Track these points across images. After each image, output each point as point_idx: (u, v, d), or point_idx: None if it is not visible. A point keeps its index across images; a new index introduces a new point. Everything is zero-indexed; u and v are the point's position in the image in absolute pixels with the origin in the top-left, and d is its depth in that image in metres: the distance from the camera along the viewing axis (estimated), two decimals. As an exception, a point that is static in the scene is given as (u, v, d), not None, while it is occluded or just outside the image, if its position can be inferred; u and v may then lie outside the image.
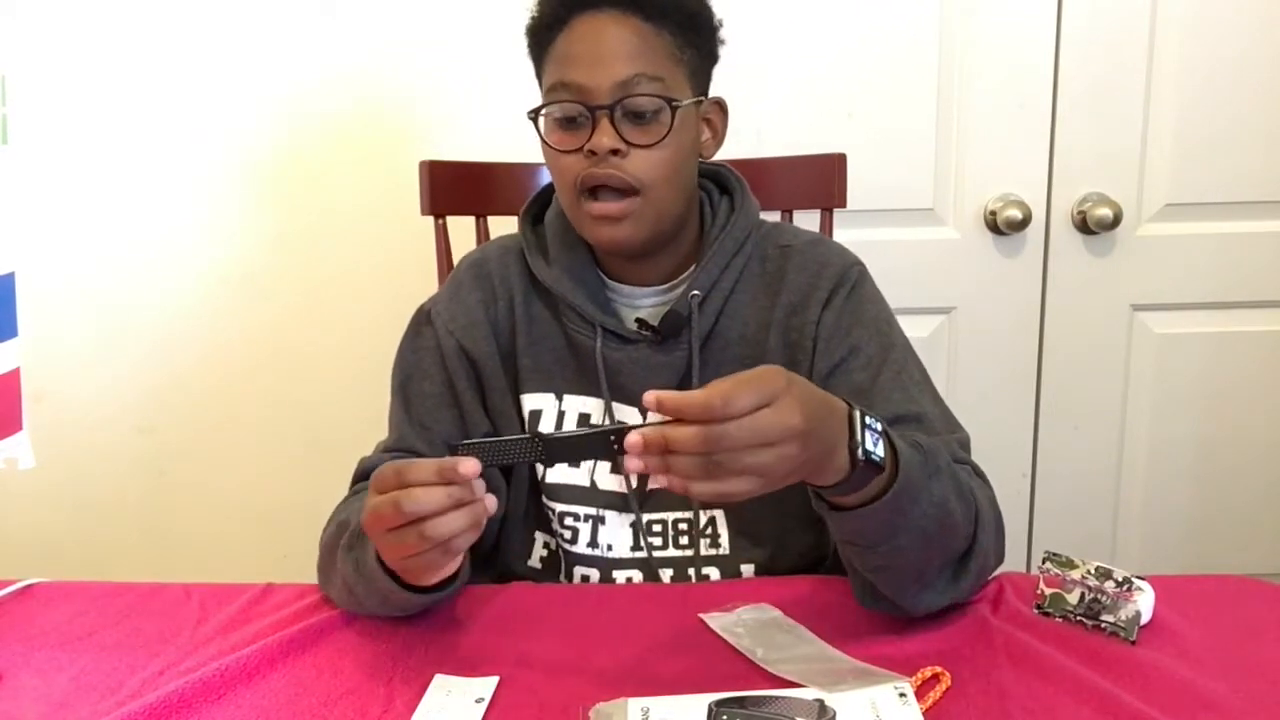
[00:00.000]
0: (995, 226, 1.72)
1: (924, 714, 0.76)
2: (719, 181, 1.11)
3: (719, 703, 0.73)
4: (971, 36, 1.68)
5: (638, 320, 1.06)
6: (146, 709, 0.79)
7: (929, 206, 1.74)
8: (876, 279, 1.10)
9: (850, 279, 1.06)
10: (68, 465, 1.79)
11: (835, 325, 1.04)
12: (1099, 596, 0.88)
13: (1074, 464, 1.83)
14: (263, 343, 1.79)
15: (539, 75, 1.04)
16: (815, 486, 0.81)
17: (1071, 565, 0.90)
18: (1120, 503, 1.85)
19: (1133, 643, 0.86)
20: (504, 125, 1.68)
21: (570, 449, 0.80)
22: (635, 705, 0.77)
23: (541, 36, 1.02)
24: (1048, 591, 0.91)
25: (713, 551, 1.07)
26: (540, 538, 1.11)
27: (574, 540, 1.07)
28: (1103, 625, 0.88)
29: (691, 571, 1.07)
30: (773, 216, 1.29)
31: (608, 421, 1.05)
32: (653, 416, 0.73)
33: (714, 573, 1.07)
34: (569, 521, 1.08)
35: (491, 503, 0.78)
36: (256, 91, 1.70)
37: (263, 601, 0.98)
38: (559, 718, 0.78)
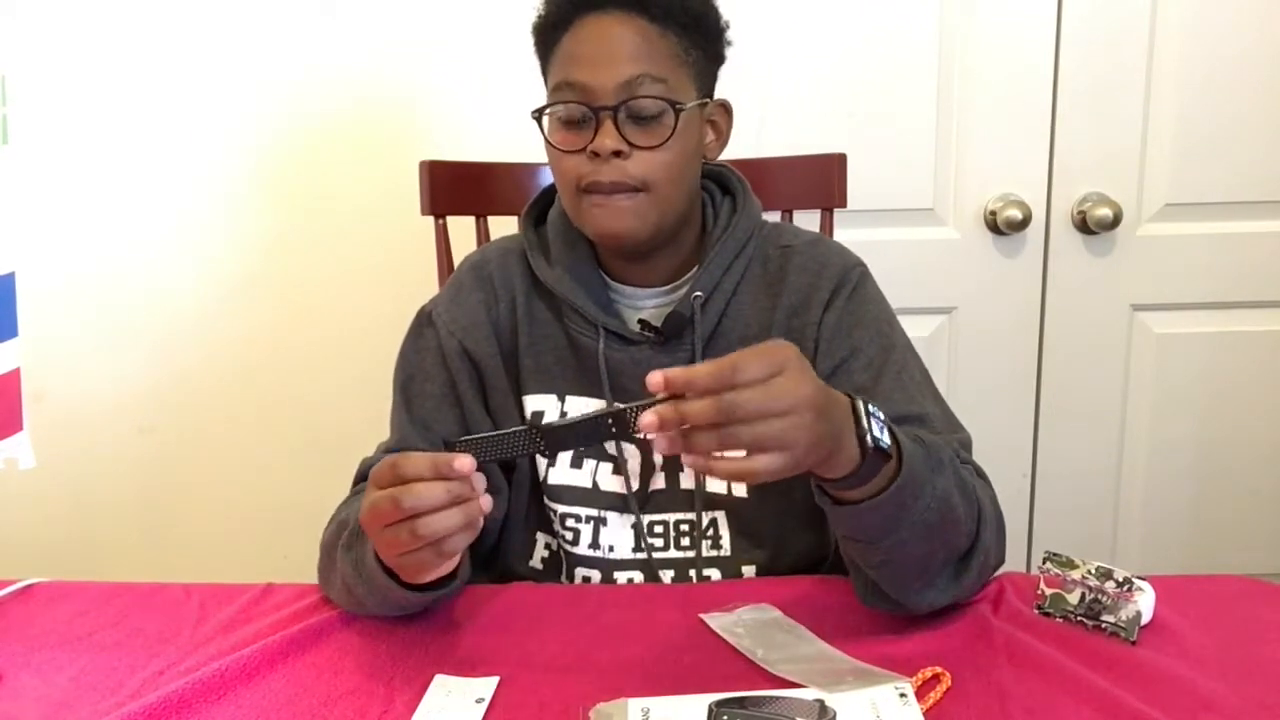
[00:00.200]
0: (995, 226, 1.72)
1: (924, 714, 0.76)
2: (721, 182, 1.11)
3: (719, 703, 0.73)
4: (971, 36, 1.68)
5: (640, 321, 1.06)
6: (146, 709, 0.79)
7: (929, 206, 1.74)
8: (877, 279, 1.10)
9: (851, 280, 1.06)
10: (68, 465, 1.79)
11: (837, 326, 1.04)
12: (1099, 596, 0.88)
13: (1074, 464, 1.83)
14: (263, 342, 1.79)
15: (544, 74, 1.04)
16: (823, 480, 0.81)
17: (1072, 565, 0.90)
18: (1120, 503, 1.85)
19: (1133, 643, 0.86)
20: (504, 125, 1.68)
21: (569, 437, 0.79)
22: (635, 705, 0.77)
23: (547, 35, 1.02)
24: (1048, 591, 0.91)
25: (714, 553, 1.07)
26: (541, 539, 1.11)
27: (575, 541, 1.07)
28: (1103, 625, 0.88)
29: (692, 573, 1.07)
30: (773, 216, 1.29)
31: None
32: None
33: (715, 574, 1.07)
34: (570, 523, 1.08)
35: (487, 502, 0.78)
36: (256, 92, 1.70)
37: (263, 601, 0.98)
38: (559, 718, 0.78)
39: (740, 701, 0.74)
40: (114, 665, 0.88)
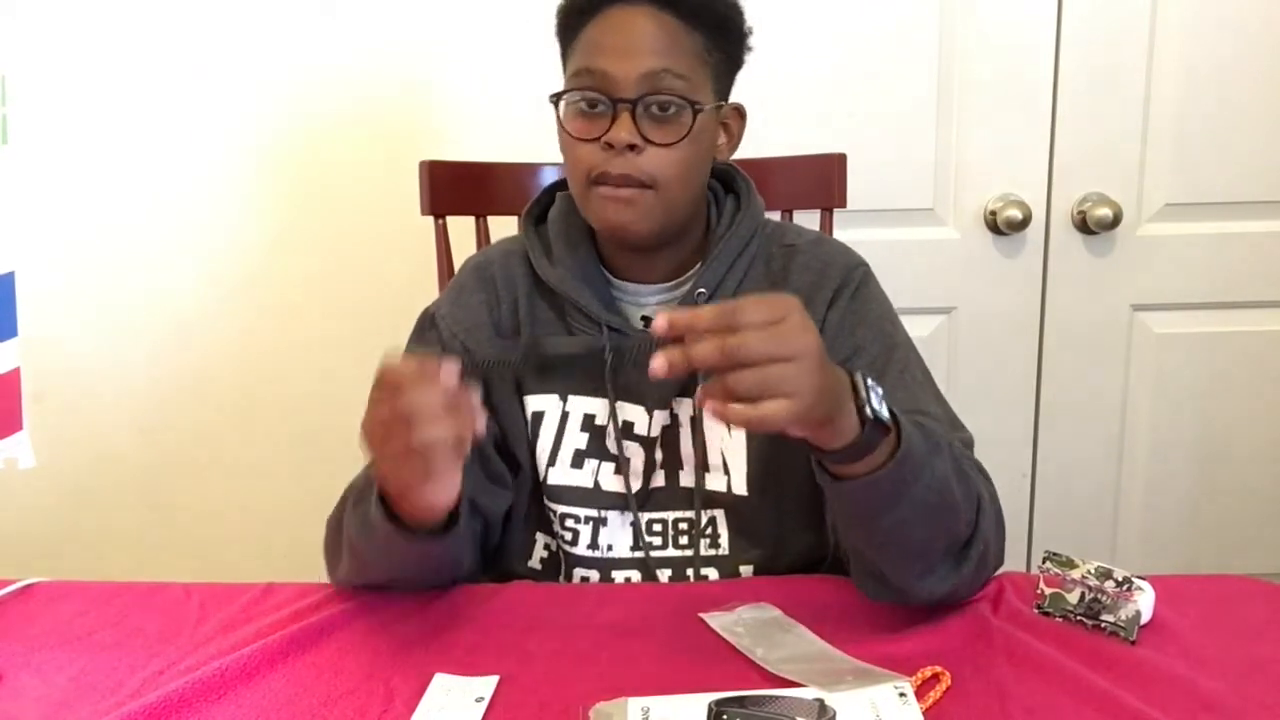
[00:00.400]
0: (995, 226, 1.72)
1: (924, 714, 0.76)
2: (725, 181, 1.12)
3: (719, 703, 0.73)
4: (971, 36, 1.68)
5: (644, 318, 1.06)
6: (146, 709, 0.79)
7: (929, 206, 1.74)
8: (877, 279, 1.10)
9: (855, 279, 1.07)
10: (68, 465, 1.79)
11: (840, 324, 1.04)
12: (1099, 596, 0.88)
13: (1074, 464, 1.83)
14: (263, 342, 1.79)
15: (564, 58, 1.04)
16: (822, 453, 0.81)
17: (1071, 565, 0.90)
18: (1120, 502, 1.85)
19: (1133, 642, 0.86)
20: (504, 125, 1.68)
21: (566, 362, 0.79)
22: (635, 705, 0.77)
23: (572, 20, 1.02)
24: (1048, 591, 0.91)
25: (712, 552, 1.07)
26: (541, 539, 1.11)
27: (574, 542, 1.07)
28: (1103, 625, 0.88)
29: (690, 572, 1.06)
30: (773, 216, 1.29)
31: (612, 424, 1.05)
32: None
33: (712, 573, 1.07)
34: (570, 523, 1.08)
35: (481, 424, 0.79)
36: (256, 92, 1.70)
37: (263, 601, 0.98)
38: (559, 718, 0.78)
39: (740, 701, 0.74)
40: (114, 665, 0.88)
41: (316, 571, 1.03)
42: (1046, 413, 1.82)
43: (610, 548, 1.07)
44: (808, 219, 1.42)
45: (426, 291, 1.50)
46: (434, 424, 0.77)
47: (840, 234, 1.42)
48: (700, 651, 0.87)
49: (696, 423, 1.05)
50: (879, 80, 1.69)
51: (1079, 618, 0.89)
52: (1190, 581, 0.97)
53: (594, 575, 1.08)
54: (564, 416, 1.07)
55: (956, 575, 0.89)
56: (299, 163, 1.72)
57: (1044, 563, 0.91)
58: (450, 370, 0.77)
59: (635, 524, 1.07)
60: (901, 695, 0.78)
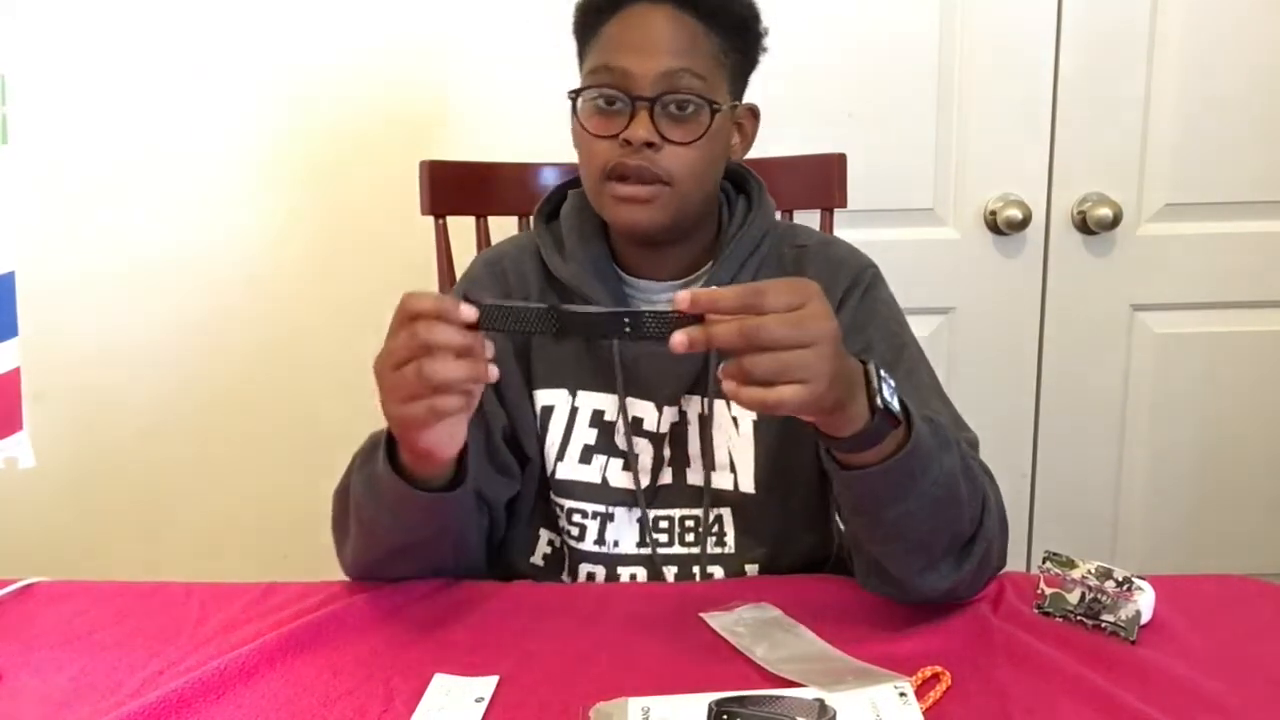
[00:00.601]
0: (995, 226, 1.72)
1: (924, 714, 0.76)
2: (737, 181, 1.13)
3: (719, 702, 0.73)
4: (971, 36, 1.68)
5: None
6: (146, 709, 0.79)
7: (929, 206, 1.74)
8: (878, 279, 1.11)
9: (865, 280, 1.08)
10: (68, 465, 1.79)
11: (849, 324, 1.04)
12: (1099, 596, 0.88)
13: (1074, 464, 1.83)
14: (262, 342, 1.79)
15: (581, 54, 1.05)
16: (831, 441, 0.81)
17: (1071, 565, 0.90)
18: (1120, 502, 1.86)
19: (1133, 642, 0.86)
20: (504, 125, 1.68)
21: (585, 325, 0.80)
22: (635, 705, 0.77)
23: (592, 18, 1.03)
24: (1048, 591, 0.91)
25: (718, 550, 1.07)
26: (545, 535, 1.11)
27: (581, 537, 1.08)
28: (1103, 625, 0.88)
29: (695, 569, 1.07)
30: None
31: (622, 420, 1.06)
32: None
33: (718, 571, 1.07)
34: (577, 518, 1.08)
35: (493, 371, 0.79)
36: (256, 92, 1.70)
37: (263, 601, 0.98)
38: (559, 718, 0.78)
39: (740, 701, 0.74)
40: (114, 665, 0.88)
41: (317, 571, 1.03)
42: (1046, 413, 1.82)
43: (616, 544, 1.07)
44: (808, 219, 1.42)
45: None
46: (449, 361, 0.77)
47: (840, 234, 1.42)
48: (700, 651, 0.87)
49: (705, 420, 1.06)
50: (879, 80, 1.69)
51: (1079, 618, 0.89)
52: (1190, 581, 0.98)
53: (599, 571, 1.08)
54: (573, 411, 1.07)
55: (958, 573, 0.89)
56: (299, 163, 1.72)
57: (1044, 563, 0.91)
58: (469, 310, 0.77)
59: (643, 520, 1.07)
60: (901, 695, 0.78)
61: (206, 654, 0.88)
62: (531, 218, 1.15)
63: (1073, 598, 0.89)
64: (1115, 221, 1.69)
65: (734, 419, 1.06)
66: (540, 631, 0.91)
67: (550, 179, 1.46)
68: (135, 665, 0.88)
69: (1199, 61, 1.67)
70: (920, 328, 1.73)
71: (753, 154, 1.20)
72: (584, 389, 1.07)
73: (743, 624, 0.89)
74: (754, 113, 1.09)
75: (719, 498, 1.07)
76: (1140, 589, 0.87)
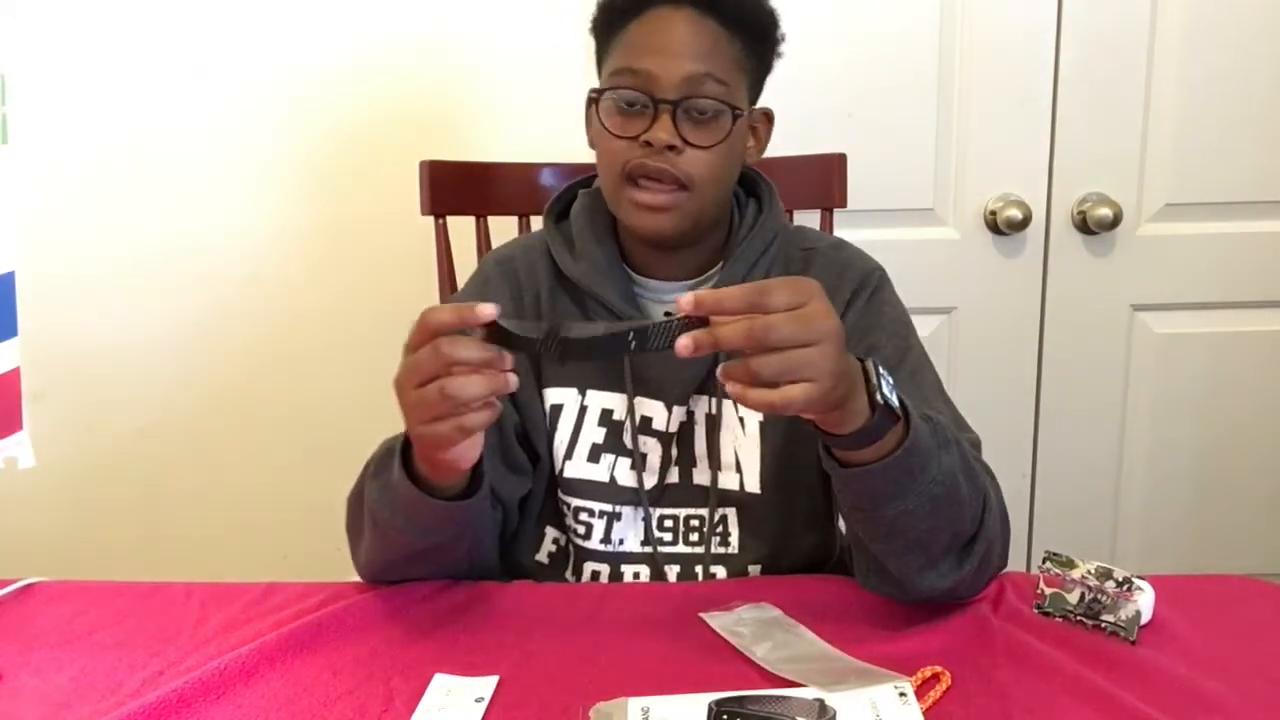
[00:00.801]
0: (995, 226, 1.72)
1: (924, 714, 0.76)
2: (747, 184, 1.13)
3: (719, 702, 0.73)
4: (971, 37, 1.68)
5: (666, 314, 1.07)
6: (146, 708, 0.79)
7: (929, 206, 1.74)
8: (879, 280, 1.11)
9: (872, 283, 1.09)
10: (68, 465, 1.79)
11: (856, 325, 1.05)
12: (1099, 596, 0.88)
13: (1074, 464, 1.83)
14: (262, 342, 1.79)
15: (601, 54, 1.06)
16: (831, 438, 0.82)
17: (1071, 565, 0.90)
18: (1120, 503, 1.86)
19: (1133, 642, 0.86)
20: (504, 125, 1.69)
21: (588, 348, 0.80)
22: (635, 705, 0.77)
23: (614, 18, 1.03)
24: (1048, 591, 0.91)
25: (721, 550, 1.07)
26: (550, 533, 1.11)
27: (587, 536, 1.08)
28: (1103, 625, 0.88)
29: (699, 569, 1.07)
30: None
31: (630, 419, 1.06)
32: None
33: (721, 572, 1.07)
34: (584, 517, 1.08)
35: (514, 380, 0.79)
36: (257, 92, 1.70)
37: (263, 601, 0.98)
38: (559, 718, 0.78)
39: (740, 701, 0.74)
40: (114, 665, 0.88)
41: (317, 572, 1.03)
42: (1046, 413, 1.82)
43: (622, 542, 1.08)
44: (808, 219, 1.42)
45: (427, 291, 1.50)
46: (471, 377, 0.77)
47: (840, 234, 1.42)
48: (700, 651, 0.87)
49: (713, 420, 1.06)
50: (879, 80, 1.69)
51: (1079, 618, 0.89)
52: (1190, 581, 0.97)
53: (604, 569, 1.08)
54: (582, 410, 1.08)
55: (959, 572, 0.89)
56: (299, 163, 1.72)
57: (1044, 563, 0.91)
58: (488, 307, 0.77)
59: (647, 519, 1.07)
60: (901, 695, 0.78)
61: (206, 654, 0.88)
62: (541, 217, 1.15)
63: (1072, 598, 0.89)
64: (1115, 221, 1.69)
65: (740, 419, 1.06)
66: (540, 631, 0.91)
67: (550, 179, 1.46)
68: (135, 665, 0.88)
69: (1199, 61, 1.67)
70: (921, 328, 1.73)
71: (753, 154, 1.21)
72: (593, 388, 1.08)
73: (743, 624, 0.89)
74: (769, 117, 1.11)
75: (725, 498, 1.07)
76: (1140, 589, 0.87)
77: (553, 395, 1.08)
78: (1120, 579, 0.87)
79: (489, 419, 0.80)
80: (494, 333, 0.78)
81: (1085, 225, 1.72)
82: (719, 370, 0.75)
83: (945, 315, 1.78)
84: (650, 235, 1.04)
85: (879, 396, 0.79)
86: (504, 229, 1.46)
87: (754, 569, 1.07)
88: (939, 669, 0.81)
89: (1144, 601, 0.87)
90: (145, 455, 1.83)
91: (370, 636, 0.91)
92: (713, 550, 1.07)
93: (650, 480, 1.07)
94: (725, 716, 0.73)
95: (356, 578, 1.01)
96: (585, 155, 1.30)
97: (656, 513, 1.08)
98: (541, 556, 1.11)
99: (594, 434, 1.07)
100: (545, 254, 1.11)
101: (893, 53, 1.68)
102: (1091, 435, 1.82)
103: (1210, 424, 1.82)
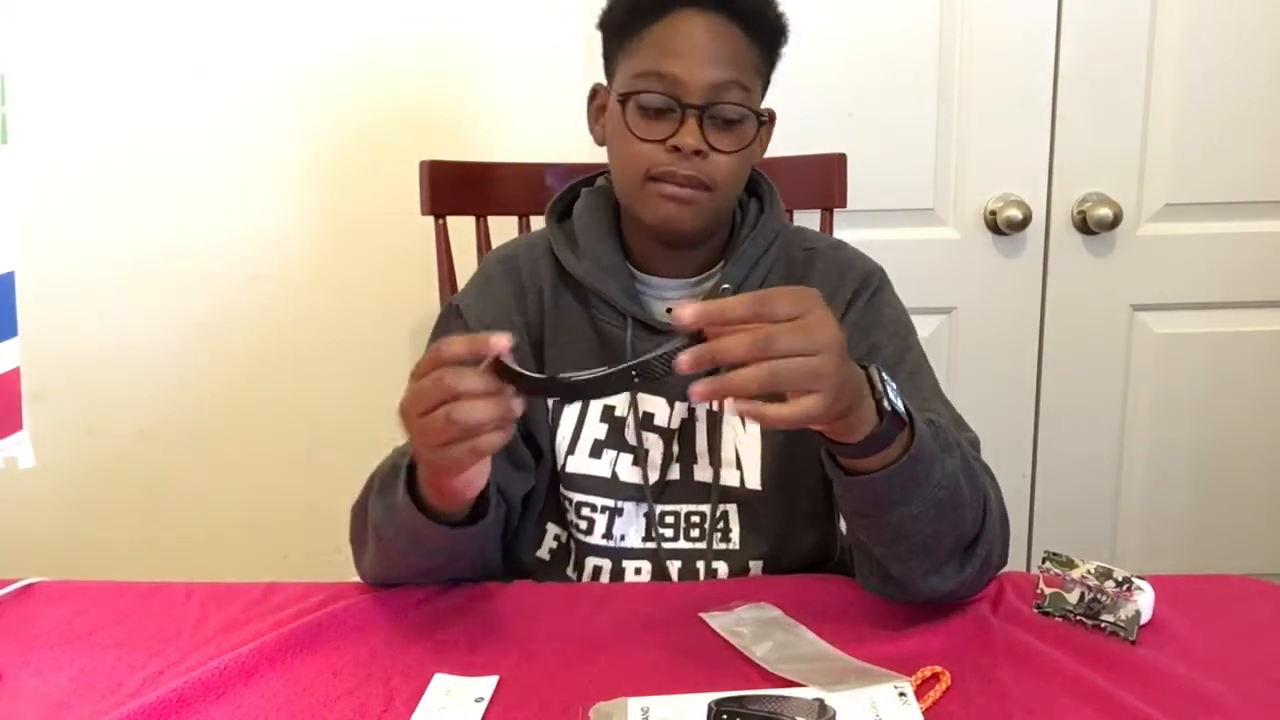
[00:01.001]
0: (995, 226, 1.72)
1: (924, 714, 0.76)
2: (747, 183, 1.14)
3: (719, 702, 0.73)
4: (971, 36, 1.68)
5: (668, 310, 1.07)
6: (146, 708, 0.79)
7: (929, 206, 1.74)
8: (878, 280, 1.11)
9: (873, 283, 1.09)
10: (68, 465, 1.79)
11: (857, 325, 1.06)
12: (1099, 596, 0.88)
13: (1074, 464, 1.83)
14: (263, 342, 1.79)
15: (616, 52, 1.06)
16: (837, 446, 0.82)
17: (1071, 565, 0.90)
18: (1120, 503, 1.86)
19: (1132, 642, 0.86)
20: (504, 125, 1.68)
21: (591, 389, 0.80)
22: (635, 705, 0.77)
23: (636, 18, 1.03)
24: (1048, 591, 0.91)
25: (723, 546, 1.08)
26: (552, 529, 1.12)
27: (589, 531, 1.08)
28: (1102, 625, 0.88)
29: (700, 565, 1.07)
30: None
31: (632, 415, 1.06)
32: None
33: (722, 567, 1.07)
34: (586, 512, 1.08)
35: (519, 405, 0.78)
36: (256, 92, 1.70)
37: (263, 602, 0.98)
38: (559, 718, 0.78)
39: (740, 701, 0.74)
40: (114, 665, 0.88)
41: (317, 572, 1.03)
42: (1046, 413, 1.82)
43: (623, 538, 1.08)
44: (808, 219, 1.42)
45: (426, 291, 1.50)
46: (477, 403, 0.77)
47: (840, 234, 1.42)
48: (700, 651, 0.87)
49: (714, 417, 1.07)
50: (879, 80, 1.69)
51: (1079, 618, 0.89)
52: (1190, 581, 0.98)
53: (605, 565, 1.08)
54: (585, 406, 1.08)
55: (961, 574, 0.90)
56: (299, 163, 1.72)
57: (1044, 563, 0.91)
58: (501, 339, 0.77)
59: (649, 515, 1.07)
60: (901, 695, 0.78)
61: (206, 654, 0.88)
62: (541, 217, 1.15)
63: (1072, 598, 0.89)
64: (1115, 221, 1.69)
65: (742, 416, 1.07)
66: (540, 631, 0.91)
67: (551, 179, 1.46)
68: (135, 665, 0.88)
69: (1199, 61, 1.67)
70: (921, 328, 1.73)
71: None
72: None
73: (743, 624, 0.89)
74: (772, 118, 1.11)
75: (726, 494, 1.07)
76: (1140, 589, 0.87)
77: None
78: (1120, 579, 0.87)
79: (501, 441, 0.79)
80: (500, 370, 0.78)
81: (1085, 225, 1.72)
82: (701, 388, 0.73)
83: (945, 315, 1.78)
84: (670, 229, 1.04)
85: (885, 403, 0.79)
86: (504, 229, 1.46)
87: (755, 565, 1.08)
88: (939, 669, 0.81)
89: (1144, 601, 0.87)
90: (145, 455, 1.83)
91: (370, 636, 0.91)
92: (714, 546, 1.08)
93: (652, 476, 1.07)
94: (725, 716, 0.73)
95: (357, 578, 1.01)
96: (586, 155, 1.30)
97: (658, 509, 1.08)
98: (542, 553, 1.12)
99: (596, 430, 1.08)
100: (548, 252, 1.11)
101: (893, 53, 1.68)
102: (1091, 435, 1.82)
103: (1210, 424, 1.82)
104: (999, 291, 1.77)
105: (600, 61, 1.10)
